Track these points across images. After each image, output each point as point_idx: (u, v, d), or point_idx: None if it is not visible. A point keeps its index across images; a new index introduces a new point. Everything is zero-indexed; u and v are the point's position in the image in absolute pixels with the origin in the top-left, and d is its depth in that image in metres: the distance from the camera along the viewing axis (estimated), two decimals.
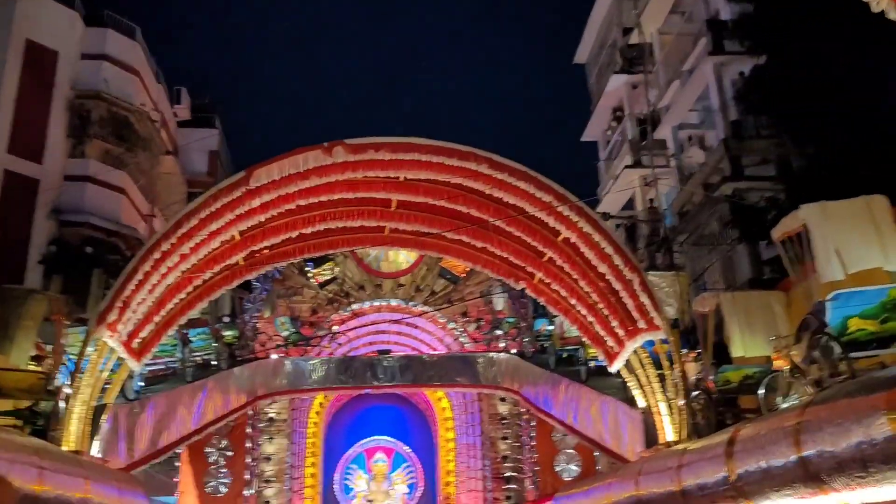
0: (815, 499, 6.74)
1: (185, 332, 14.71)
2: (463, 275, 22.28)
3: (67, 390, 9.41)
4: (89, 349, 9.83)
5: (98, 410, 10.13)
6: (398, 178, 11.26)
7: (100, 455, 10.35)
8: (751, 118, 15.73)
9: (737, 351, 9.62)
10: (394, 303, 22.86)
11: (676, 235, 18.25)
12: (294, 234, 11.84)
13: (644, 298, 10.74)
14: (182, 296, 11.16)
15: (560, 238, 11.73)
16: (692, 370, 10.75)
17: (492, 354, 19.80)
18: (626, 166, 21.62)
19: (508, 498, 21.15)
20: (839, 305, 7.16)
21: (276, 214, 11.34)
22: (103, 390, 10.56)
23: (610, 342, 11.95)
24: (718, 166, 16.20)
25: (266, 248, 12.01)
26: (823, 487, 6.46)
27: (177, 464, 17.12)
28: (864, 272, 7.32)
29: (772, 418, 7.71)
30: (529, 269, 12.54)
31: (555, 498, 13.94)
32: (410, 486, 28.25)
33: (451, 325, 22.64)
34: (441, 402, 25.94)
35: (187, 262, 10.64)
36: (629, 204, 22.99)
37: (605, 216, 19.67)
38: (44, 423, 8.93)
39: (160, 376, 14.80)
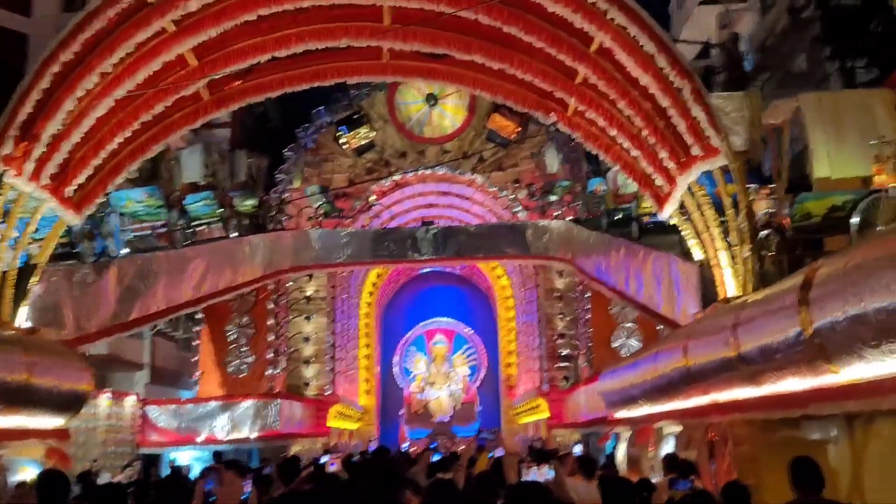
0: None
1: (175, 193, 12.99)
2: (513, 136, 19.87)
3: None
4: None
5: (26, 272, 8.44)
6: None
7: (29, 325, 8.71)
8: None
9: (821, 171, 7.03)
10: (439, 171, 20.74)
11: (758, 75, 15.23)
12: (264, 57, 9.63)
13: (697, 112, 8.10)
14: (128, 134, 9.19)
15: (593, 48, 9.11)
16: (761, 207, 8.19)
17: (543, 222, 17.54)
18: (701, 2, 18.28)
19: (566, 378, 19.36)
20: None
21: (234, 29, 9.09)
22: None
23: (659, 180, 9.44)
24: None
25: (233, 76, 9.86)
26: None
27: (195, 343, 15.93)
28: None
29: (865, 246, 5.22)
30: (560, 95, 10.01)
31: (601, 375, 11.86)
32: (472, 368, 26.85)
33: (503, 194, 20.36)
34: (500, 279, 24.01)
35: (117, 86, 8.57)
36: (704, 53, 19.60)
37: None
38: None
39: (153, 245, 13.04)
